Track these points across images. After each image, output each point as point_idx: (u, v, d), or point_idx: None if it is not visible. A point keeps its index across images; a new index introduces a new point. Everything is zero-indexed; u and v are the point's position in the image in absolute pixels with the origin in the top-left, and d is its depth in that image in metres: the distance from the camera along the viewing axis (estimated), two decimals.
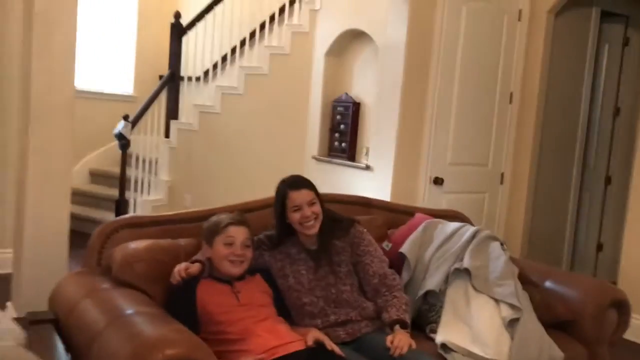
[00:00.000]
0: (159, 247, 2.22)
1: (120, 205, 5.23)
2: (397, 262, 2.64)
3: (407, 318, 2.22)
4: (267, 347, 2.00)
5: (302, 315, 2.26)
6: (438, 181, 4.26)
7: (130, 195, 5.36)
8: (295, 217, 2.23)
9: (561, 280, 2.75)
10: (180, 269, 2.10)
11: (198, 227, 2.34)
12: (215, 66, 5.71)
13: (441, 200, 4.29)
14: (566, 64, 4.82)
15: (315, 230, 2.25)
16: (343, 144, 4.85)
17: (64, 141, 2.98)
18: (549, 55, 4.61)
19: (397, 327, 2.17)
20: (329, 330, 2.22)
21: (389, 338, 2.12)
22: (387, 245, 2.69)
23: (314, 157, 5.07)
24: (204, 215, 2.38)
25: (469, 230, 2.69)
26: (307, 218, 2.22)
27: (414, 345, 2.09)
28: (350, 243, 2.35)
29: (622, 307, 2.60)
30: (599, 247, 5.47)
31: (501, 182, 4.61)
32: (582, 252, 5.48)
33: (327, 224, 2.30)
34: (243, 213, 2.30)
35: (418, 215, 2.92)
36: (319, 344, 2.07)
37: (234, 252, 2.13)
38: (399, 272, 2.58)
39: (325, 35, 5.00)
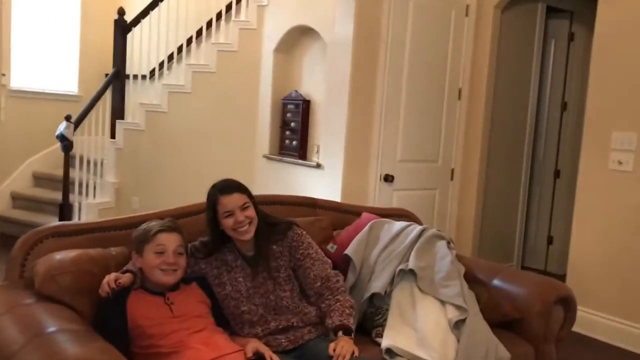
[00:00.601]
0: (87, 257, 2.09)
1: (65, 209, 5.03)
2: (343, 264, 2.57)
3: (351, 323, 2.15)
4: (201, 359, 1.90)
5: (242, 324, 2.16)
6: (388, 178, 4.22)
7: (75, 198, 5.16)
8: (228, 222, 2.13)
9: (509, 278, 2.72)
10: (110, 280, 1.98)
11: (129, 234, 2.22)
12: (161, 64, 5.55)
13: (392, 197, 4.26)
14: (514, 59, 4.84)
15: (250, 235, 2.16)
16: (294, 142, 4.76)
17: None
18: (496, 51, 4.61)
19: (340, 333, 2.10)
20: (269, 339, 2.13)
21: (332, 345, 2.04)
22: (332, 247, 2.62)
23: (265, 156, 4.97)
24: (136, 222, 2.26)
25: (415, 229, 2.64)
26: (240, 223, 2.12)
27: (356, 352, 2.02)
28: (289, 247, 2.25)
29: (568, 304, 2.59)
30: (550, 240, 5.54)
31: (451, 178, 4.60)
32: (533, 245, 5.54)
33: (263, 228, 2.20)
34: (175, 219, 2.18)
35: (365, 215, 2.86)
36: (259, 355, 1.98)
37: (166, 260, 2.02)
38: (345, 274, 2.51)
39: (273, 32, 4.89)
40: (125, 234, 2.26)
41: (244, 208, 2.13)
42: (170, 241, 2.05)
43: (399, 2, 4.11)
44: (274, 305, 2.17)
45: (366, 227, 2.67)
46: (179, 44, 5.34)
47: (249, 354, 1.96)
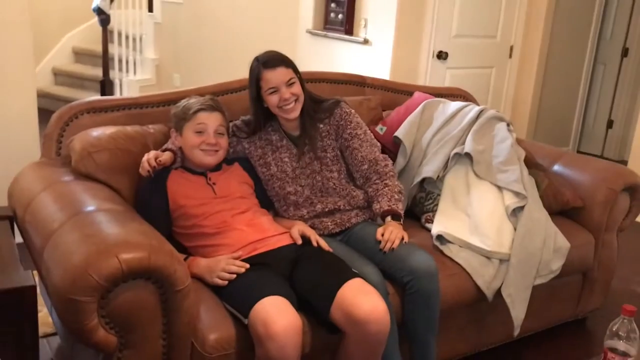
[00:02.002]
0: (125, 134, 1.98)
1: (106, 86, 4.95)
2: (392, 147, 2.41)
3: (400, 208, 2.02)
4: (246, 241, 1.83)
5: (287, 206, 2.06)
6: (442, 55, 3.93)
7: (115, 75, 5.05)
8: (272, 100, 1.96)
9: (571, 164, 2.53)
10: (150, 158, 1.88)
11: (168, 111, 2.09)
12: None
13: (444, 76, 3.99)
14: None
15: (295, 113, 1.99)
16: (340, 16, 4.44)
17: (20, 19, 2.63)
18: None
19: (388, 218, 1.98)
20: (315, 221, 2.04)
21: (380, 230, 1.94)
22: (381, 128, 2.45)
23: (309, 31, 4.68)
24: (174, 99, 2.13)
25: (473, 110, 2.43)
26: (285, 101, 1.95)
27: (406, 238, 1.92)
28: (336, 126, 2.08)
29: (634, 192, 2.41)
30: (609, 124, 5.22)
31: (510, 56, 4.27)
32: (591, 129, 5.24)
33: (309, 106, 2.03)
34: (215, 97, 2.02)
35: (417, 94, 2.65)
36: (305, 239, 1.89)
37: (206, 140, 1.90)
38: (394, 158, 2.36)
39: None
40: (163, 111, 2.13)
41: (289, 84, 1.95)
42: (210, 120, 1.91)
43: None
44: (320, 187, 2.05)
45: (419, 108, 2.47)
46: None
47: (297, 238, 1.88)
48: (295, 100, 1.97)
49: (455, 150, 2.27)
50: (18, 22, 2.62)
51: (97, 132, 1.96)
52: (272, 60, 1.96)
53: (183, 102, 1.97)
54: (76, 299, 1.35)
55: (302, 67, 2.06)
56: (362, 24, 4.30)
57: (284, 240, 1.87)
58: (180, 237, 1.89)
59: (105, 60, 4.92)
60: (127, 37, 5.05)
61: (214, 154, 1.93)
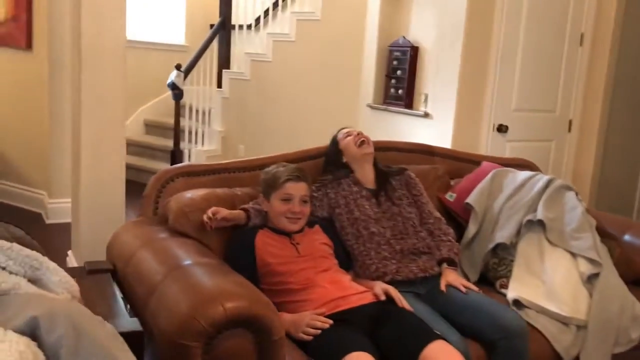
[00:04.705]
0: (215, 196, 2.13)
1: (176, 156, 5.22)
2: (463, 213, 2.49)
3: (457, 259, 2.22)
4: (329, 298, 1.91)
5: (367, 252, 2.15)
6: (502, 129, 4.04)
7: (184, 145, 5.34)
8: (351, 147, 2.31)
9: None
10: (207, 212, 2.01)
11: (253, 175, 2.27)
12: (266, 12, 5.54)
13: (505, 148, 4.08)
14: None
15: (370, 149, 2.35)
16: (400, 91, 4.63)
17: (117, 88, 2.91)
18: None
19: (444, 265, 2.16)
20: (400, 266, 2.12)
21: (442, 281, 2.09)
22: (450, 195, 2.55)
23: (369, 105, 4.88)
24: (260, 164, 2.30)
25: (542, 179, 2.51)
26: (362, 139, 2.33)
27: (465, 284, 2.09)
28: (406, 183, 2.37)
29: None
30: None
31: (569, 130, 4.33)
32: None
33: (379, 166, 2.36)
34: (302, 168, 2.17)
35: (485, 163, 2.75)
36: (388, 298, 1.96)
37: (291, 209, 2.05)
38: (464, 224, 2.45)
39: None
40: (249, 176, 2.30)
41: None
42: (297, 190, 2.06)
43: None
44: (401, 229, 2.21)
45: (489, 176, 2.56)
46: None
47: (380, 294, 1.95)
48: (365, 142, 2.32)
49: (527, 217, 2.34)
50: (113, 98, 2.88)
51: (190, 194, 2.12)
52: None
53: (272, 170, 2.12)
54: (184, 344, 1.45)
55: None
56: (422, 98, 4.47)
57: (366, 299, 1.94)
58: (267, 293, 1.97)
59: (177, 132, 5.22)
60: (197, 111, 5.37)
61: (296, 222, 2.06)
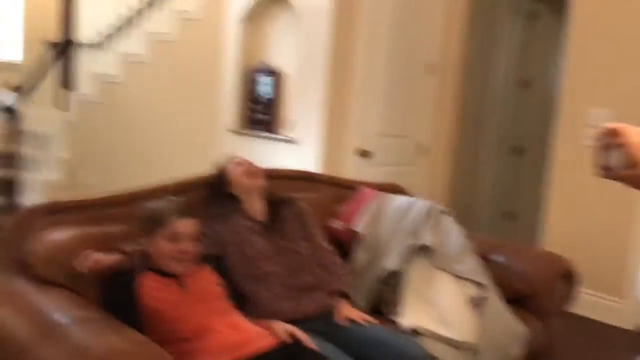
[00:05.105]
0: (89, 236, 1.88)
1: (13, 187, 4.65)
2: (350, 241, 2.47)
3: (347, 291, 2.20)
4: (228, 343, 1.76)
5: (260, 293, 2.02)
6: (365, 154, 4.13)
7: (24, 175, 4.77)
8: (242, 179, 2.18)
9: (509, 253, 2.69)
10: (85, 255, 1.78)
11: (129, 211, 2.03)
12: (116, 31, 5.18)
13: (368, 173, 4.17)
14: (484, 35, 4.83)
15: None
16: (263, 116, 4.57)
17: None
18: (469, 26, 4.58)
19: (340, 299, 2.12)
20: (297, 304, 2.02)
21: (340, 315, 2.05)
22: (338, 224, 2.51)
23: (231, 130, 4.75)
24: (136, 198, 2.07)
25: (421, 204, 2.57)
26: (253, 172, 2.23)
27: (362, 317, 2.06)
28: (299, 214, 2.27)
29: (570, 278, 2.60)
30: (512, 217, 5.63)
31: (423, 154, 4.57)
32: (498, 222, 5.62)
33: (268, 197, 2.24)
34: (189, 202, 2.00)
35: (363, 189, 2.76)
36: (294, 340, 1.85)
37: (180, 248, 1.84)
38: (351, 252, 2.42)
39: (240, 0, 4.66)
40: (125, 212, 2.06)
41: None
42: (186, 227, 1.86)
43: None
44: (295, 265, 2.12)
45: (371, 203, 2.57)
46: (135, 9, 4.99)
47: (283, 335, 1.84)
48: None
49: (412, 243, 2.37)
50: None
51: (60, 236, 1.84)
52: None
53: (155, 205, 1.92)
54: None
55: None
56: (288, 123, 4.45)
57: (269, 342, 1.81)
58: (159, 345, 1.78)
59: (14, 160, 4.66)
60: (36, 136, 4.85)
61: (185, 262, 1.87)
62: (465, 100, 4.72)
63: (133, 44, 5.02)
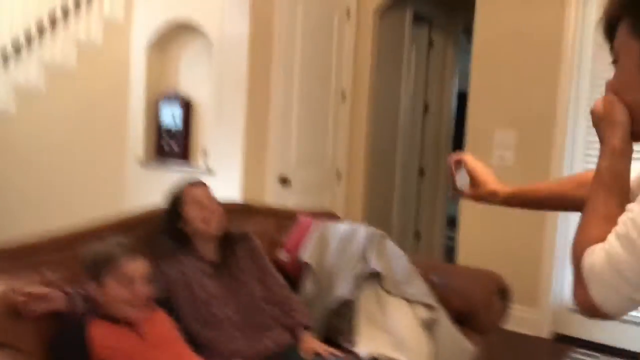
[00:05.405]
0: (22, 285, 1.67)
1: None
2: (298, 272, 2.41)
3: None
4: None
5: (215, 334, 1.92)
6: (285, 181, 4.10)
7: None
8: (199, 224, 2.05)
9: (445, 273, 2.76)
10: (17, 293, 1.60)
11: (66, 256, 1.85)
12: (5, 58, 4.79)
13: (289, 200, 4.13)
14: (389, 64, 5.00)
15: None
16: (174, 147, 4.41)
17: None
18: (376, 55, 4.73)
19: (301, 332, 2.07)
20: (252, 344, 1.94)
21: (306, 350, 2.00)
22: (285, 256, 2.44)
23: (140, 163, 4.53)
24: (72, 241, 1.88)
25: (362, 230, 2.56)
26: (212, 212, 2.09)
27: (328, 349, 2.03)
28: (251, 251, 2.19)
29: (504, 294, 2.71)
30: (417, 236, 5.82)
31: (340, 179, 4.61)
32: (411, 242, 5.78)
33: (223, 239, 2.13)
34: (137, 241, 1.85)
35: (302, 218, 2.72)
36: None
37: (134, 292, 1.70)
38: (299, 282, 2.36)
39: (145, 27, 4.49)
40: (61, 257, 1.86)
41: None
42: (137, 269, 1.73)
43: (288, 2, 4.02)
44: (248, 305, 2.03)
45: (314, 231, 2.53)
46: (28, 36, 4.65)
47: None
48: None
49: (361, 269, 2.35)
50: None
51: None
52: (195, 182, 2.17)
53: (100, 247, 1.75)
54: None
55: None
56: (202, 154, 4.31)
57: None
58: None
59: None
60: None
61: (141, 306, 1.73)
62: (376, 125, 4.84)
63: (25, 72, 4.66)
